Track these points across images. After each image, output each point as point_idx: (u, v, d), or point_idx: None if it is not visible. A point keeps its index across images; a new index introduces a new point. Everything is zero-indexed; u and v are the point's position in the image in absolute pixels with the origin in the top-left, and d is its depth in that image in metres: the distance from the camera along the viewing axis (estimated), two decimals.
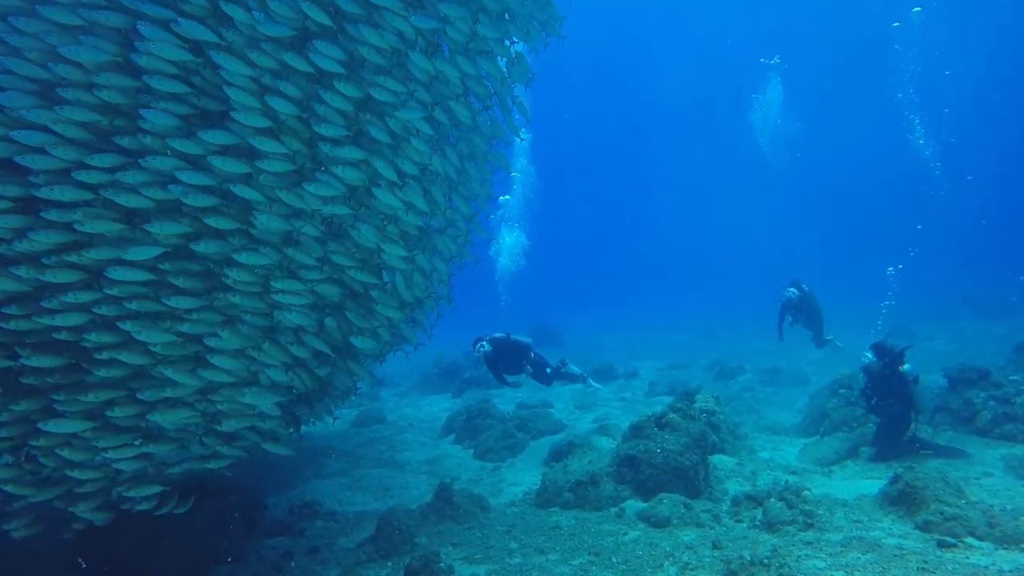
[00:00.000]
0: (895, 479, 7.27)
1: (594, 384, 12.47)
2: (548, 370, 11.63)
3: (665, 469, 7.98)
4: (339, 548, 7.58)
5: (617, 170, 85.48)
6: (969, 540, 6.19)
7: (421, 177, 6.83)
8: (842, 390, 11.09)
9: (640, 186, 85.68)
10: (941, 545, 6.09)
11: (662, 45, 71.54)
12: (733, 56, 58.03)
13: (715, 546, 6.47)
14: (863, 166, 68.55)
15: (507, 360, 11.53)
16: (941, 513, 6.54)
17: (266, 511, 8.27)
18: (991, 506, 6.71)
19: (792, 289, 14.00)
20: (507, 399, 16.79)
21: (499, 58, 7.30)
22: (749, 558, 5.74)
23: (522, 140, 8.54)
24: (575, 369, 12.42)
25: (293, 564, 7.23)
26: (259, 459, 11.85)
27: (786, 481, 7.91)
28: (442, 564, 6.31)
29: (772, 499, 7.18)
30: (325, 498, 9.47)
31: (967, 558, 5.81)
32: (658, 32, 70.90)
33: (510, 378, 11.66)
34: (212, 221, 5.43)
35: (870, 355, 9.47)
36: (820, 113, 61.42)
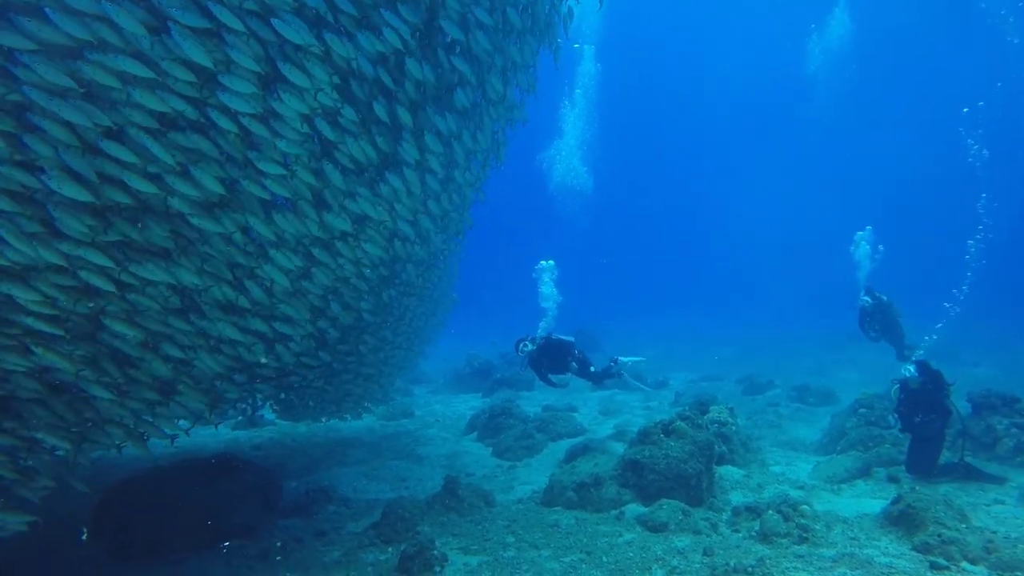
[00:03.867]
0: (897, 499, 7.23)
1: (636, 383, 12.29)
2: (592, 369, 11.59)
3: (668, 475, 8.07)
4: (346, 532, 7.87)
5: (676, 181, 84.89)
6: (964, 565, 6.15)
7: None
8: (862, 410, 10.97)
9: (698, 200, 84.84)
10: (933, 567, 6.07)
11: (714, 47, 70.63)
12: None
13: (706, 553, 6.56)
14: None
15: (552, 359, 11.50)
16: (939, 536, 6.49)
17: (281, 492, 8.60)
18: (994, 533, 6.64)
19: (865, 297, 14.23)
20: (534, 401, 16.98)
21: None
22: (734, 565, 5.83)
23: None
24: (627, 360, 12.36)
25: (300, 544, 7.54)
26: (286, 444, 12.38)
27: (785, 495, 7.91)
28: (436, 552, 6.54)
29: (770, 511, 7.20)
30: (342, 485, 9.80)
31: None
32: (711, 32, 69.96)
33: (555, 378, 11.65)
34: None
35: (912, 369, 9.32)
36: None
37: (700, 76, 73.04)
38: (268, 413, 11.96)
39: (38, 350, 4.98)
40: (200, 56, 4.83)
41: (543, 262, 12.30)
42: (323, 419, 11.75)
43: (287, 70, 5.36)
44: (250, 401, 9.31)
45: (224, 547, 7.28)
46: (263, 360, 7.22)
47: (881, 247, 14.49)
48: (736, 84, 71.25)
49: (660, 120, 78.60)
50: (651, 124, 77.98)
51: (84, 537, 6.77)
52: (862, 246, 14.33)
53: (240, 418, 14.21)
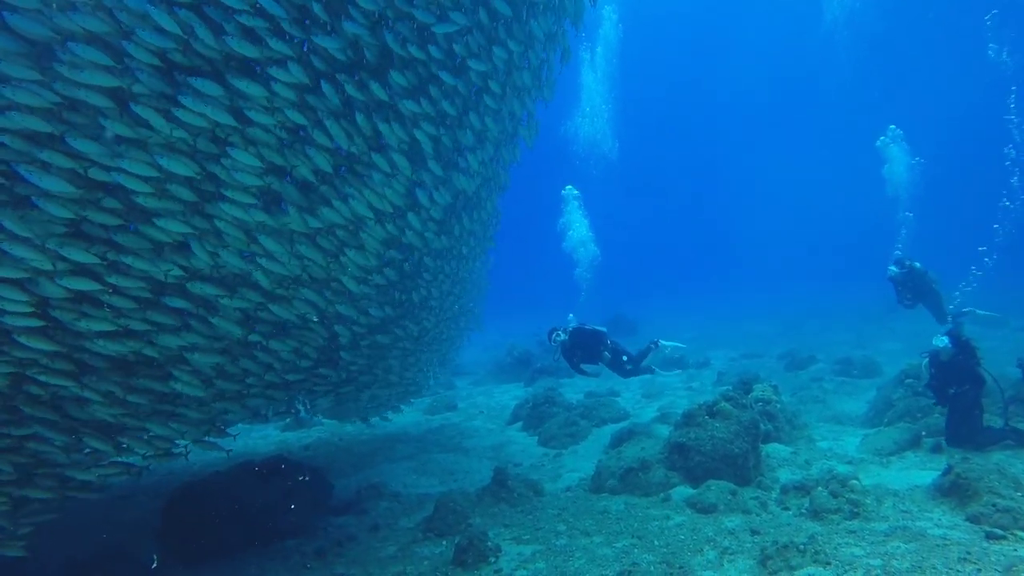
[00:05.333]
0: (948, 470, 7.17)
1: (662, 373, 12.29)
2: (624, 358, 11.57)
3: (714, 456, 8.11)
4: (399, 527, 8.05)
5: (708, 159, 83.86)
6: (1021, 534, 6.08)
7: None
8: (908, 380, 10.84)
9: (730, 173, 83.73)
10: (989, 537, 6.02)
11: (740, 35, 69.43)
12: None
13: (757, 532, 6.60)
14: None
15: (584, 349, 11.48)
16: (993, 505, 6.43)
17: (333, 491, 8.81)
18: None
19: (892, 267, 14.13)
20: (576, 388, 17.03)
21: None
22: (784, 542, 5.85)
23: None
24: (668, 344, 12.27)
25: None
26: (334, 443, 12.62)
27: (833, 470, 7.89)
28: (489, 543, 6.67)
29: (819, 488, 7.21)
30: (392, 480, 9.98)
31: (1015, 550, 5.73)
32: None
33: (588, 367, 11.64)
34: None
35: (946, 340, 9.22)
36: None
37: (718, 45, 71.90)
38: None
39: (21, 338, 5.17)
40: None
41: (567, 188, 11.81)
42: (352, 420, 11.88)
43: (235, 44, 5.39)
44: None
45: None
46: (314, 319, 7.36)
47: (919, 159, 14.07)
48: (754, 53, 70.19)
49: (679, 89, 77.55)
50: (671, 92, 77.03)
51: (155, 565, 7.01)
52: (893, 155, 13.89)
53: (288, 420, 14.52)
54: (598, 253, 11.13)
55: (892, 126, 14.56)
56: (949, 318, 13.90)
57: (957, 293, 13.81)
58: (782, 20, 65.08)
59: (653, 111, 72.75)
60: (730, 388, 9.99)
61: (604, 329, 11.70)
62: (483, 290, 13.49)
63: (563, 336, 11.24)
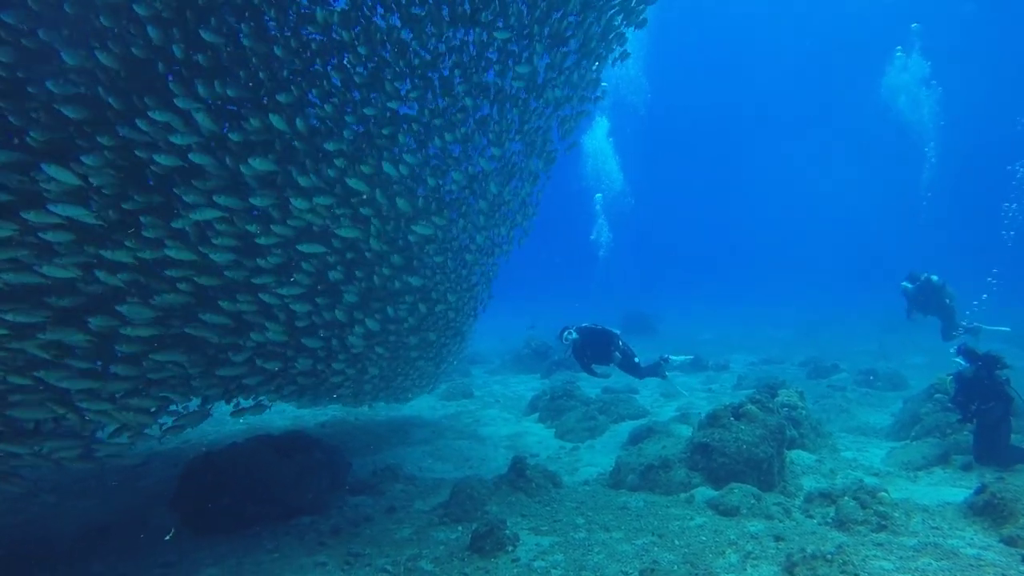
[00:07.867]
0: (981, 489, 6.98)
1: (681, 390, 12.09)
2: (636, 359, 11.43)
3: (738, 459, 7.95)
4: (415, 510, 7.96)
5: (728, 161, 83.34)
6: None
7: None
8: (938, 395, 10.62)
9: (753, 177, 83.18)
10: None
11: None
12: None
13: (781, 538, 6.44)
14: None
15: (595, 349, 11.31)
16: None
17: (350, 470, 8.73)
18: None
19: (906, 282, 14.12)
20: (593, 383, 16.87)
21: None
22: (811, 552, 5.69)
23: None
24: (676, 358, 12.15)
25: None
26: (349, 422, 12.57)
27: (862, 481, 7.71)
28: (508, 532, 6.56)
29: (846, 498, 7.03)
30: (407, 463, 9.91)
31: None
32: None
33: (598, 368, 11.44)
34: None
35: (961, 361, 9.10)
36: None
37: (747, 40, 71.48)
38: None
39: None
40: None
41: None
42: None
43: None
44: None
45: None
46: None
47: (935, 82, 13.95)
48: (784, 52, 69.69)
49: (705, 89, 77.17)
50: (697, 93, 76.63)
51: (169, 537, 6.94)
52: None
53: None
54: (629, 196, 10.80)
55: (915, 25, 14.24)
56: (960, 330, 13.74)
57: (968, 312, 13.63)
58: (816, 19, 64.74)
59: (679, 110, 72.38)
60: (755, 391, 9.81)
61: (617, 331, 11.48)
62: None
63: (574, 335, 11.07)
